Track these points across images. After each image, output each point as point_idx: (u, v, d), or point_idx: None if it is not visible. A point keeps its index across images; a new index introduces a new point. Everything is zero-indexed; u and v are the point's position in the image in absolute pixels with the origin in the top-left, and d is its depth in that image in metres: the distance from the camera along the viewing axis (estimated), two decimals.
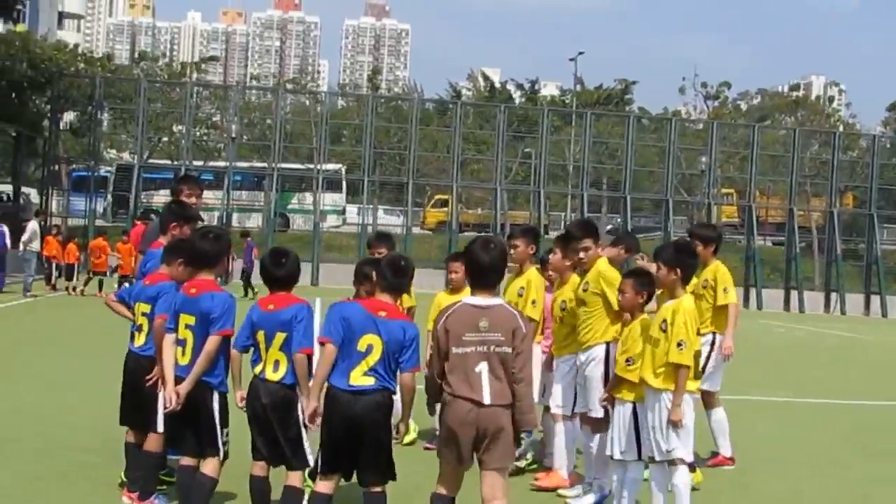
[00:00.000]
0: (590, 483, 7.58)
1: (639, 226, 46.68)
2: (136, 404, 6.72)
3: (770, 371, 18.40)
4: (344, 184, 49.15)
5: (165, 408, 6.11)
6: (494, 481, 5.40)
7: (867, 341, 27.76)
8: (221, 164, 47.36)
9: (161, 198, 37.32)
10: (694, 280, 7.79)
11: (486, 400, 5.28)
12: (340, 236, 45.19)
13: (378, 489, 5.69)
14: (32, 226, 26.87)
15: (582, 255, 7.56)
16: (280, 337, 5.91)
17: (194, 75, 60.17)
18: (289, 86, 70.73)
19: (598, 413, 7.29)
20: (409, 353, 5.61)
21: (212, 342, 6.01)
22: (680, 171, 47.69)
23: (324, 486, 5.71)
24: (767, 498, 8.25)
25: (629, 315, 6.96)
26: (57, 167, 44.82)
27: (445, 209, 47.65)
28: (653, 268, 6.92)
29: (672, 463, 6.55)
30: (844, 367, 20.37)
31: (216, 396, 6.11)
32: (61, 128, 46.20)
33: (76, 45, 55.19)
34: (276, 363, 5.95)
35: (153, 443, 6.57)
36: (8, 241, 26.41)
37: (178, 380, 6.07)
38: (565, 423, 7.87)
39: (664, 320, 6.57)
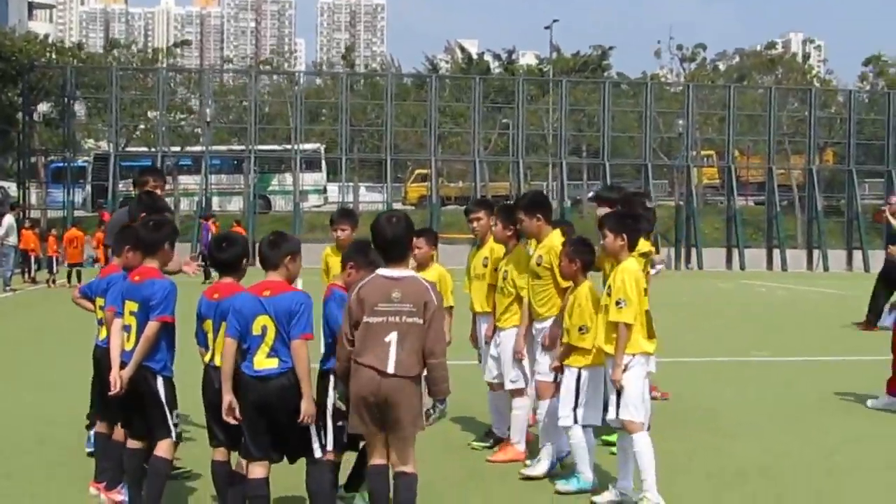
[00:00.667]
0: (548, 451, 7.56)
1: None
2: (104, 396, 6.70)
3: (751, 331, 18.45)
4: (324, 163, 49.01)
5: (110, 391, 6.13)
6: (401, 449, 5.53)
7: (850, 297, 27.79)
8: (199, 148, 47.12)
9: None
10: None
11: (390, 369, 5.39)
12: (322, 215, 45.04)
13: (308, 465, 5.77)
14: (8, 220, 26.62)
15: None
16: (224, 326, 5.90)
17: (168, 60, 59.64)
18: (264, 67, 70.31)
19: (548, 377, 7.33)
20: (296, 319, 5.60)
21: (150, 328, 6.06)
22: (658, 134, 47.67)
23: (257, 471, 5.75)
24: (741, 460, 8.22)
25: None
26: (34, 159, 44.54)
27: (426, 184, 47.56)
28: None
29: (630, 429, 6.54)
30: (828, 323, 20.37)
31: (160, 380, 6.14)
32: (36, 119, 45.87)
33: (46, 36, 54.57)
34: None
35: (122, 433, 6.55)
36: None
37: (124, 365, 6.13)
38: (521, 397, 7.85)
39: (609, 286, 6.61)
